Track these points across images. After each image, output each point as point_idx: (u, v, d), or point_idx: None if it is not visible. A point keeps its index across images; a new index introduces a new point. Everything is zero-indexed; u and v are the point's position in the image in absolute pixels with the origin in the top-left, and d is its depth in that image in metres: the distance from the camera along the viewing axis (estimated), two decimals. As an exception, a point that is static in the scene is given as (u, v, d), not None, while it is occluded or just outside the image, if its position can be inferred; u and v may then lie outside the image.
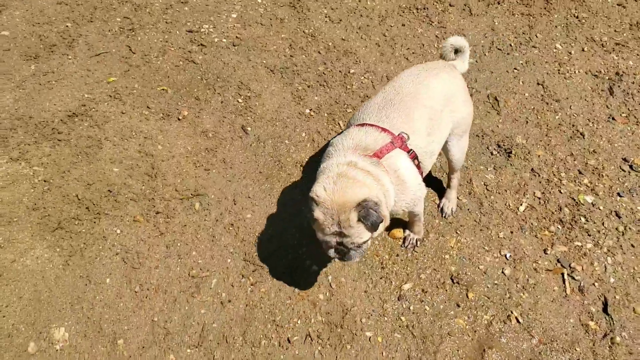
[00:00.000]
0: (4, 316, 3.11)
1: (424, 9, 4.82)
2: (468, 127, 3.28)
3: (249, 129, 4.05)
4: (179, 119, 4.06)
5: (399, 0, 4.89)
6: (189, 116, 4.09)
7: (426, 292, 3.28)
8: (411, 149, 2.84)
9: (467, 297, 3.26)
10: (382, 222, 2.64)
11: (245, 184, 3.77)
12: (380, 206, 2.64)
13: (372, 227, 2.61)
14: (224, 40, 4.58)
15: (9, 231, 3.44)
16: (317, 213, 2.63)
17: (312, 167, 3.77)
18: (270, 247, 3.48)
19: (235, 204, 3.66)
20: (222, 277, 3.35)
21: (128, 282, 3.31)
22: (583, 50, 4.50)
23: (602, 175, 3.78)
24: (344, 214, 2.58)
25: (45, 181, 3.66)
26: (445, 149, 3.31)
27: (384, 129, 2.83)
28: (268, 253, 3.45)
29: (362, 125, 2.89)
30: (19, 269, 3.30)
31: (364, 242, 2.71)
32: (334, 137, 3.01)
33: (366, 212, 2.57)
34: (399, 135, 2.82)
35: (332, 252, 2.76)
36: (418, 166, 2.90)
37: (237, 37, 4.61)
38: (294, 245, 3.47)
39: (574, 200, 3.65)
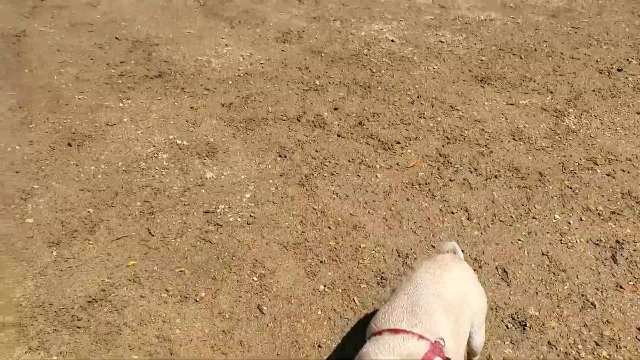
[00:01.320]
0: None
1: (426, 184, 5.13)
2: (485, 315, 3.37)
3: (265, 307, 4.11)
4: (196, 301, 4.13)
5: (401, 176, 5.22)
6: (206, 297, 4.16)
7: None
8: (448, 358, 2.78)
9: None
10: None
11: (263, 367, 3.75)
12: None
13: None
14: (239, 219, 4.81)
15: None
16: None
17: (328, 349, 3.78)
18: None
19: (254, 389, 3.61)
20: None
21: None
22: (581, 219, 4.73)
23: (619, 346, 3.79)
24: None
25: (63, 372, 3.64)
26: (467, 340, 3.35)
27: (420, 336, 2.78)
28: None
29: (396, 331, 2.83)
30: None
31: None
32: (363, 348, 2.84)
33: None
34: (436, 342, 2.77)
35: None
36: None
37: (250, 215, 4.84)
38: None
39: (596, 374, 3.63)
